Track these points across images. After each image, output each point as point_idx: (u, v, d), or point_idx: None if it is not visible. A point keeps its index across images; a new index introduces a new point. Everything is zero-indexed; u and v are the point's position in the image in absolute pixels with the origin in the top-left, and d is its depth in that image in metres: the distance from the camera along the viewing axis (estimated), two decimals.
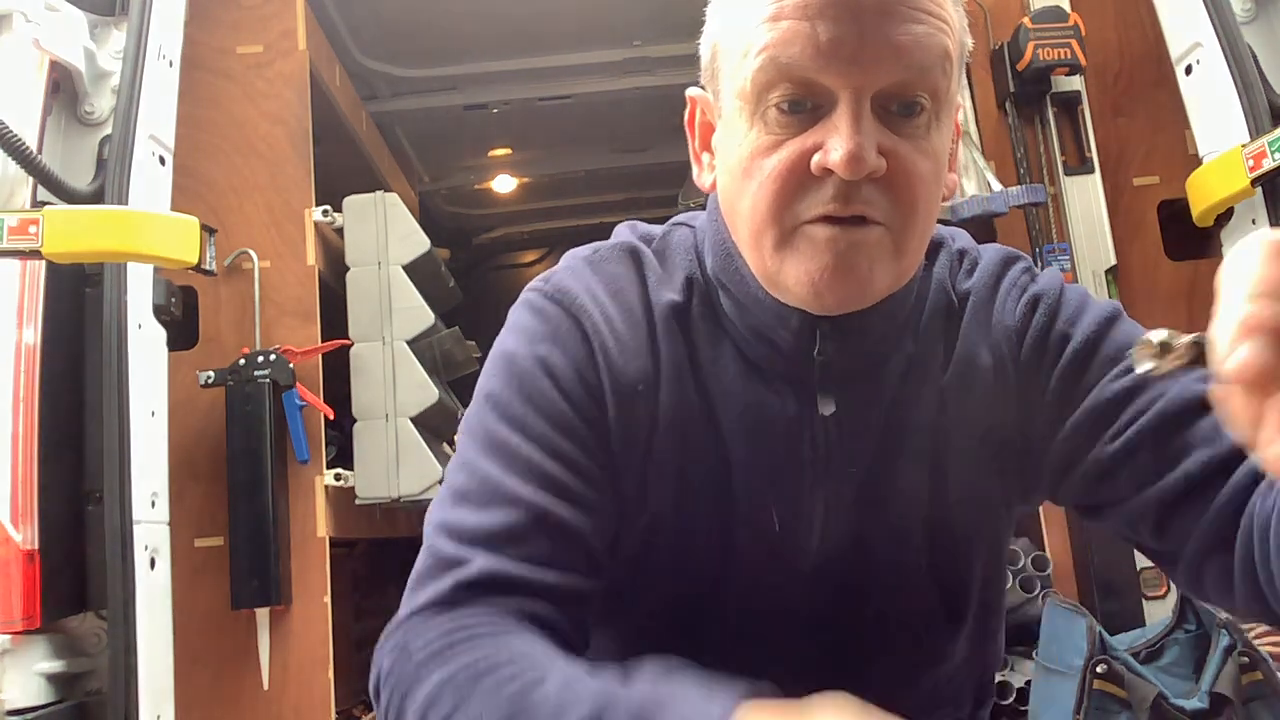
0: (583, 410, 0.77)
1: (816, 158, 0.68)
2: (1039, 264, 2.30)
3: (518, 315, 0.83)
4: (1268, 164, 1.56)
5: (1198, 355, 0.44)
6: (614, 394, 0.78)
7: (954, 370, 0.81)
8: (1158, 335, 0.44)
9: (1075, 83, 2.37)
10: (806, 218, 0.70)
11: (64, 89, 1.65)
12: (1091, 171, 2.34)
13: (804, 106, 0.69)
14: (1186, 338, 0.44)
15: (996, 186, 2.20)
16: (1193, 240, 2.21)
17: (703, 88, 0.81)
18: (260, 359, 2.06)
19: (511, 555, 0.72)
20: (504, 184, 4.08)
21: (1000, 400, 0.81)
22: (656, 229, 0.89)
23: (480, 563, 0.72)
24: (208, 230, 1.67)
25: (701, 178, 0.82)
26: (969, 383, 0.81)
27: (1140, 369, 0.44)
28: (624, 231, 0.89)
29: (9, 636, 1.40)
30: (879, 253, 0.70)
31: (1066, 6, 2.31)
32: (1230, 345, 0.42)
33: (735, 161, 0.73)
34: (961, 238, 0.90)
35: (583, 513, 0.76)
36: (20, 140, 1.43)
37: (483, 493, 0.75)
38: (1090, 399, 0.77)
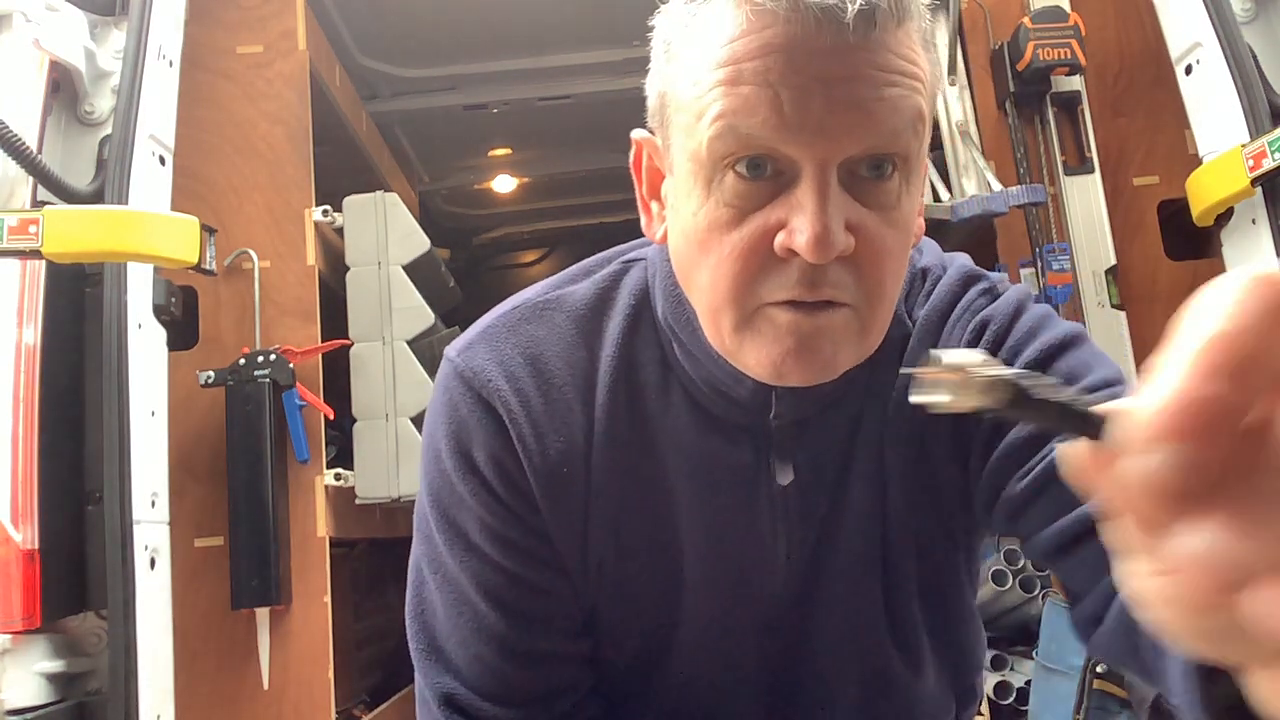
0: (512, 497, 0.76)
1: (780, 238, 0.62)
2: (1038, 264, 2.30)
3: (437, 396, 0.79)
4: (1268, 164, 1.56)
5: (1007, 398, 0.28)
6: (535, 479, 0.75)
7: (895, 406, 0.76)
8: (952, 356, 0.28)
9: (1075, 83, 2.37)
10: (769, 300, 0.64)
11: (64, 89, 1.65)
12: (1091, 171, 2.34)
13: (764, 172, 0.63)
14: (991, 371, 0.28)
15: (996, 186, 2.20)
16: (1193, 240, 2.21)
17: (650, 131, 0.74)
18: (260, 359, 2.06)
19: (502, 702, 0.77)
20: (504, 184, 4.08)
21: (939, 435, 0.76)
22: (605, 266, 0.83)
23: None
24: (208, 230, 1.67)
25: (652, 229, 0.76)
26: (908, 418, 0.76)
27: (917, 396, 0.29)
28: (562, 279, 0.83)
29: (9, 636, 1.40)
30: (844, 335, 0.65)
31: (1066, 6, 2.31)
32: (1140, 443, 0.26)
33: (690, 230, 0.67)
34: (928, 252, 0.84)
35: (543, 613, 0.78)
36: (20, 140, 1.43)
37: (446, 636, 0.79)
38: (1014, 431, 0.71)
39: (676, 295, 0.75)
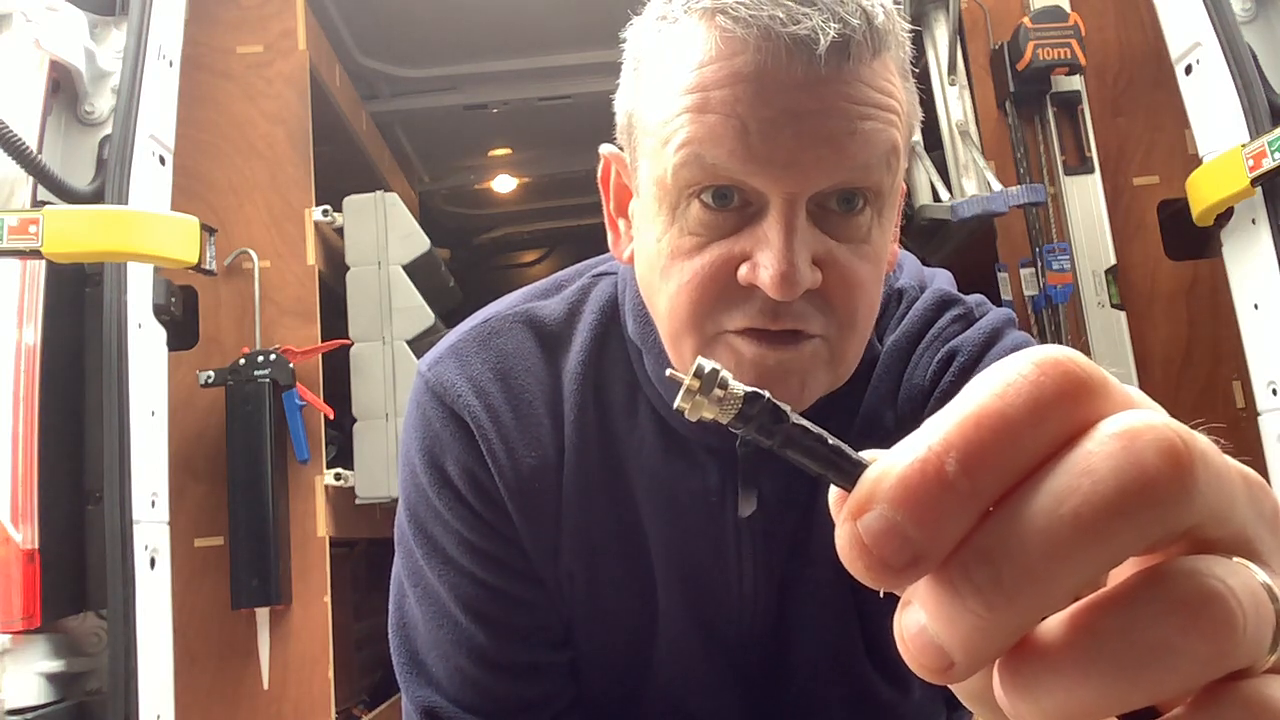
0: (487, 510, 0.75)
1: (744, 270, 0.60)
2: (1038, 264, 2.30)
3: (411, 410, 0.79)
4: (1268, 164, 1.56)
5: (759, 418, 0.27)
6: (508, 492, 0.75)
7: (859, 430, 0.74)
8: (711, 365, 0.27)
9: (1075, 83, 2.37)
10: (730, 328, 0.63)
11: (64, 89, 1.65)
12: (1091, 171, 2.34)
13: (730, 202, 0.61)
14: (742, 389, 0.27)
15: (996, 186, 2.20)
16: (1193, 240, 2.21)
17: (619, 147, 0.72)
18: (260, 359, 2.06)
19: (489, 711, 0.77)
20: (504, 184, 4.08)
21: None
22: (576, 280, 0.82)
23: None
24: (208, 230, 1.67)
25: (619, 248, 0.74)
26: (873, 443, 0.72)
27: (675, 403, 0.28)
28: (533, 292, 0.82)
29: (9, 636, 1.40)
30: (812, 366, 0.63)
31: (1066, 6, 2.31)
32: (859, 500, 0.25)
33: (654, 255, 0.65)
34: (907, 269, 0.82)
35: (522, 624, 0.77)
36: (20, 140, 1.43)
37: (427, 649, 0.78)
38: None
39: (644, 314, 0.74)
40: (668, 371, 0.31)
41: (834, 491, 0.27)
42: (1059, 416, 0.24)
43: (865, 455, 0.27)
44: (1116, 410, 0.25)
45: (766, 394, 0.27)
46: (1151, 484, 0.23)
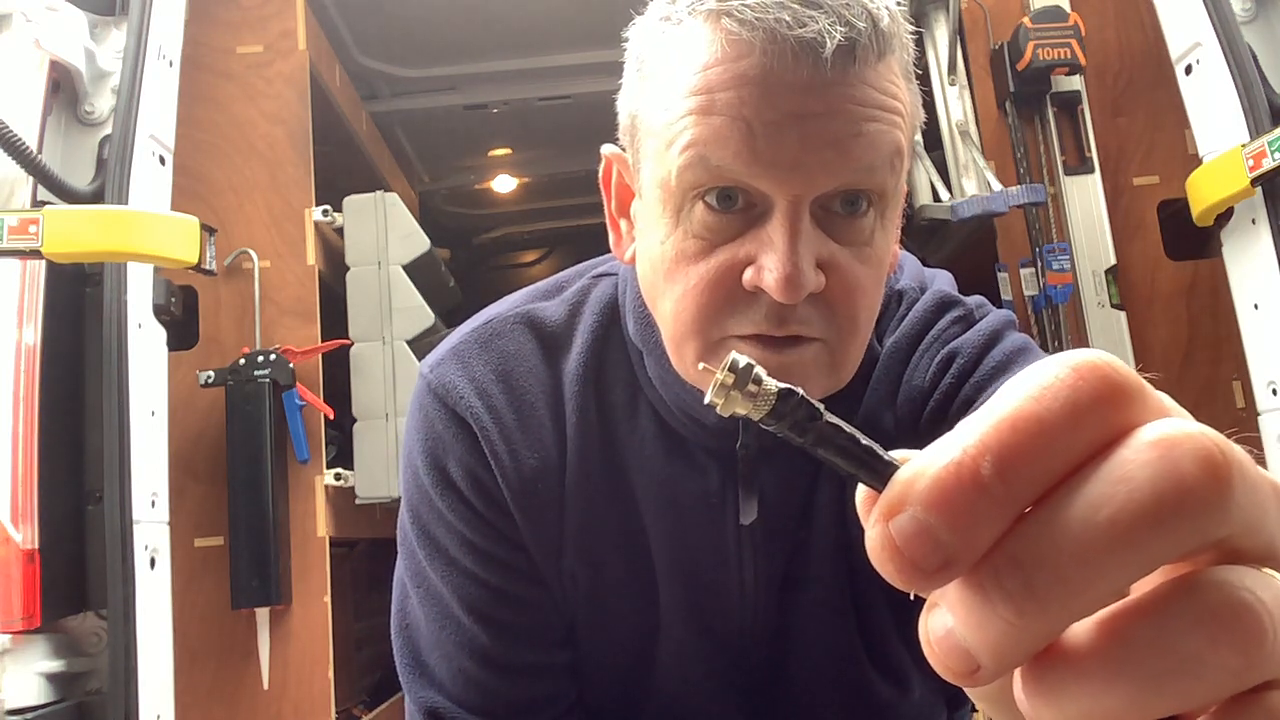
0: (489, 511, 0.76)
1: (748, 274, 0.60)
2: (1038, 264, 2.30)
3: (413, 412, 0.79)
4: (1268, 164, 1.56)
5: (793, 415, 0.27)
6: (510, 493, 0.75)
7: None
8: (745, 360, 0.27)
9: (1075, 83, 2.37)
10: (734, 333, 0.62)
11: (64, 89, 1.65)
12: (1091, 171, 2.34)
13: (735, 204, 0.61)
14: (776, 385, 0.27)
15: (996, 186, 2.20)
16: (1193, 240, 2.21)
17: (621, 147, 0.72)
18: (260, 359, 2.06)
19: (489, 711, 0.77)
20: (504, 184, 4.08)
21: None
22: (576, 281, 0.83)
23: None
24: (208, 230, 1.67)
25: (620, 248, 0.74)
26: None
27: (707, 398, 0.27)
28: (534, 293, 0.83)
29: (9, 636, 1.40)
30: (814, 369, 0.63)
31: (1066, 6, 2.31)
32: (890, 501, 0.25)
33: (658, 258, 0.65)
34: (907, 270, 0.82)
35: (525, 625, 0.77)
36: (20, 140, 1.43)
37: (430, 650, 0.78)
38: None
39: (645, 315, 0.74)
40: (700, 365, 0.30)
41: (862, 491, 0.27)
42: (1095, 422, 0.24)
43: (896, 455, 0.27)
44: (1152, 417, 0.24)
45: (800, 391, 0.27)
46: (1188, 494, 0.23)
